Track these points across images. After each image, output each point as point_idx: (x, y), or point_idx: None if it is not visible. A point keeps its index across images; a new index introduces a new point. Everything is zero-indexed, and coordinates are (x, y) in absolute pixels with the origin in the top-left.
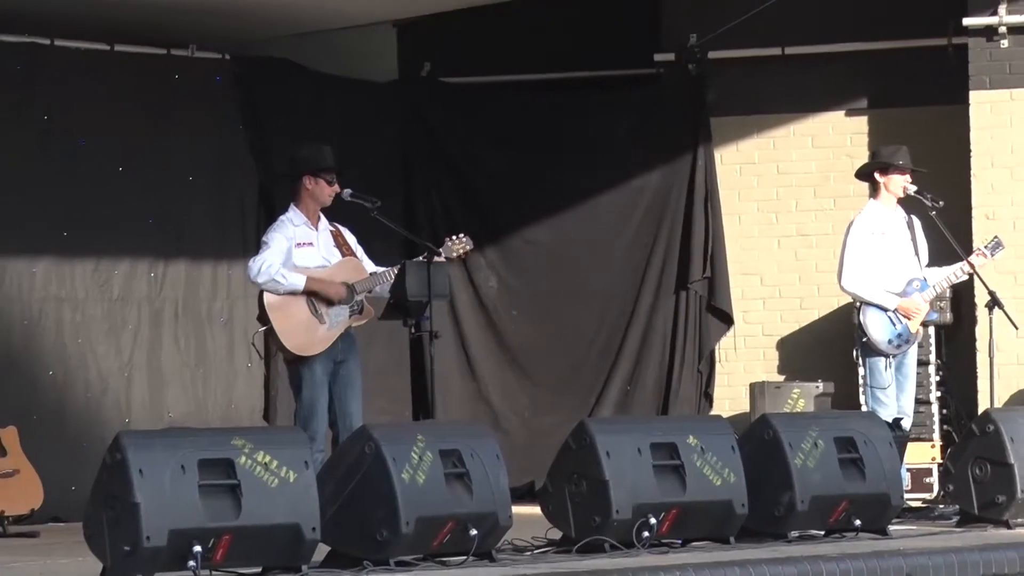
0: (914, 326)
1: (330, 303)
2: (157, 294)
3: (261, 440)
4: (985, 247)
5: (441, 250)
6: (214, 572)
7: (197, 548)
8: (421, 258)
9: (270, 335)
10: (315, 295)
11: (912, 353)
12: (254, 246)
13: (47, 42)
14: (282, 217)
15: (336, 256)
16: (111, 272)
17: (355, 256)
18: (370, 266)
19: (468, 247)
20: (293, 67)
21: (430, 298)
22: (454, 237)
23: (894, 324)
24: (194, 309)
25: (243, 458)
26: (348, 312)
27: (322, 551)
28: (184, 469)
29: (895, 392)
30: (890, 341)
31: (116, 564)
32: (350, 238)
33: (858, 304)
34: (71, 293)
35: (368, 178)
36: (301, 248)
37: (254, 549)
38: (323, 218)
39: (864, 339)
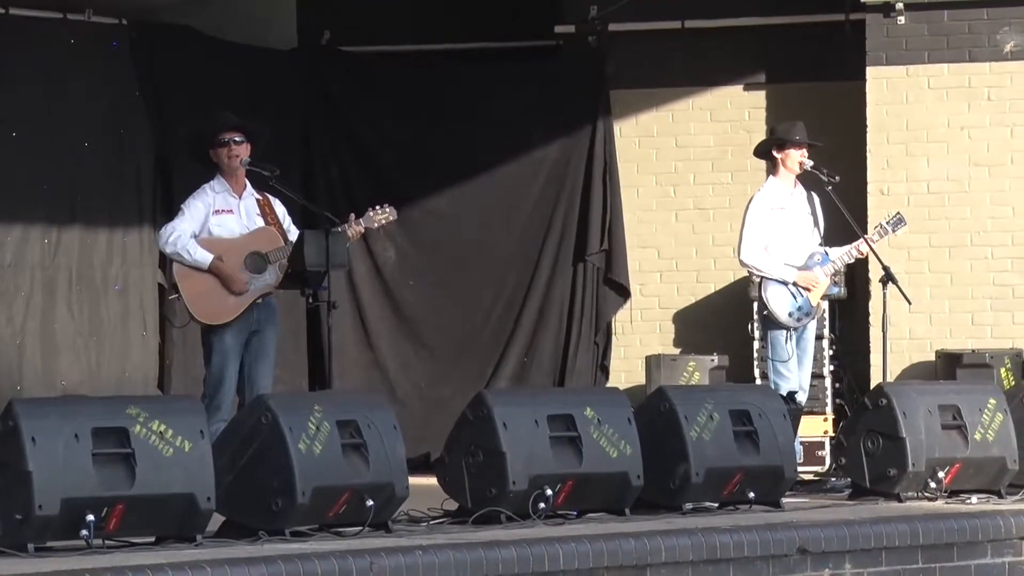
0: (814, 299)
1: (230, 291)
2: (51, 261)
3: (156, 409)
4: (886, 223)
5: (362, 220)
6: (107, 542)
7: (90, 517)
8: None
9: (178, 303)
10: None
11: (811, 327)
12: (150, 213)
13: None
14: (205, 185)
15: (258, 224)
16: (3, 238)
17: (279, 226)
18: (294, 237)
19: (391, 217)
20: (191, 33)
21: (328, 268)
22: (377, 207)
23: (795, 297)
24: (88, 276)
25: (138, 427)
26: (261, 281)
27: (217, 521)
28: (78, 437)
29: (796, 365)
30: (791, 314)
31: (7, 533)
32: (279, 208)
33: (757, 278)
34: None
35: (267, 146)
36: (220, 215)
37: (148, 519)
38: (248, 186)
39: (765, 312)
